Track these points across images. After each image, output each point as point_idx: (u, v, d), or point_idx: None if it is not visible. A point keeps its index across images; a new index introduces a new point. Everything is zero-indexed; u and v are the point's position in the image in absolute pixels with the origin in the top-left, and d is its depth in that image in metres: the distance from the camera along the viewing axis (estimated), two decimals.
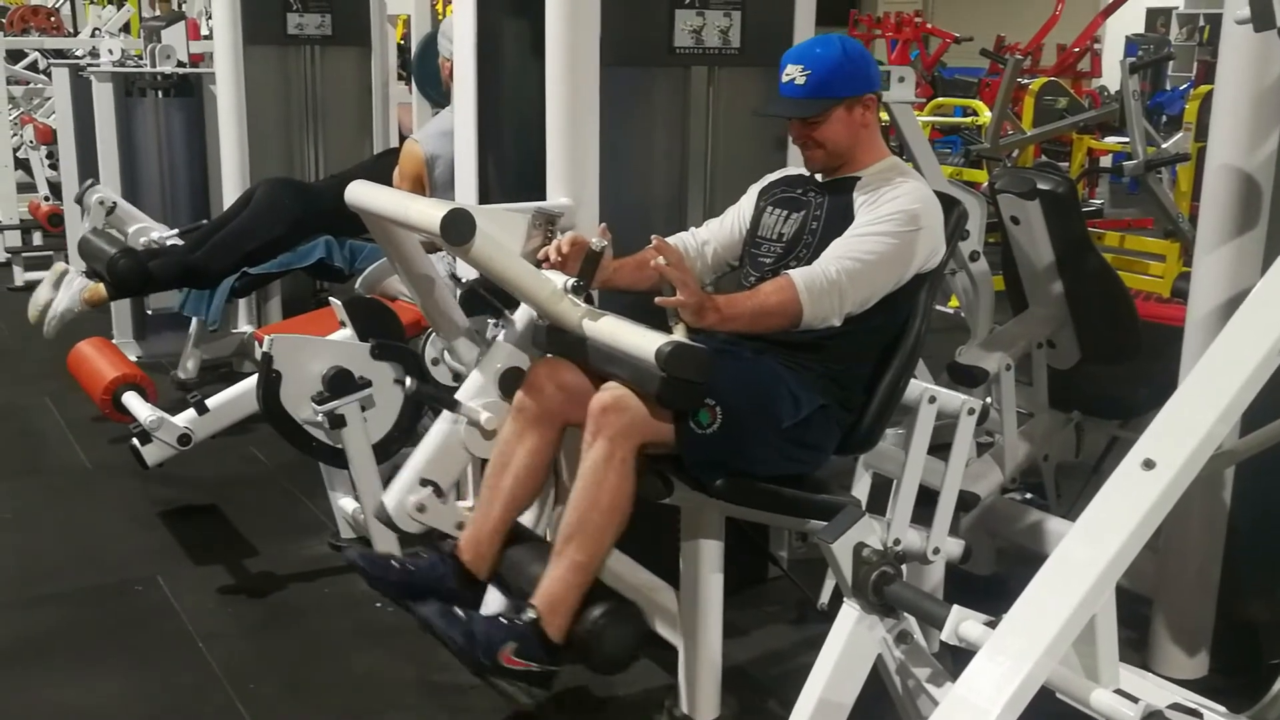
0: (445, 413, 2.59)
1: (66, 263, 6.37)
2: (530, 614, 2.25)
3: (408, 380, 2.61)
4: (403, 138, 4.83)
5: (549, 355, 2.51)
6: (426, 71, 5.03)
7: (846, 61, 2.43)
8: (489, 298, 2.67)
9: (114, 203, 4.62)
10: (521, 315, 2.60)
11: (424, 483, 2.54)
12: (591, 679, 2.85)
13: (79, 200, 4.77)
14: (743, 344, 2.43)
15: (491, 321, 2.76)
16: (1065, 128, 8.26)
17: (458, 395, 2.57)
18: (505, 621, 2.27)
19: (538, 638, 2.24)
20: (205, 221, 4.85)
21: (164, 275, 4.14)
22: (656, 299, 2.25)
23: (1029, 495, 3.42)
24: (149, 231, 4.58)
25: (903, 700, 2.15)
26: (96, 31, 10.08)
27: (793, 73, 2.43)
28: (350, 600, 3.26)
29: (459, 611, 2.27)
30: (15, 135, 7.99)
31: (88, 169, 5.59)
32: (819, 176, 2.55)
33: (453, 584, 2.41)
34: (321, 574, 3.41)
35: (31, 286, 6.96)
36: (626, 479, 2.25)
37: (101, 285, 4.18)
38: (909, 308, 2.47)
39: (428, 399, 2.66)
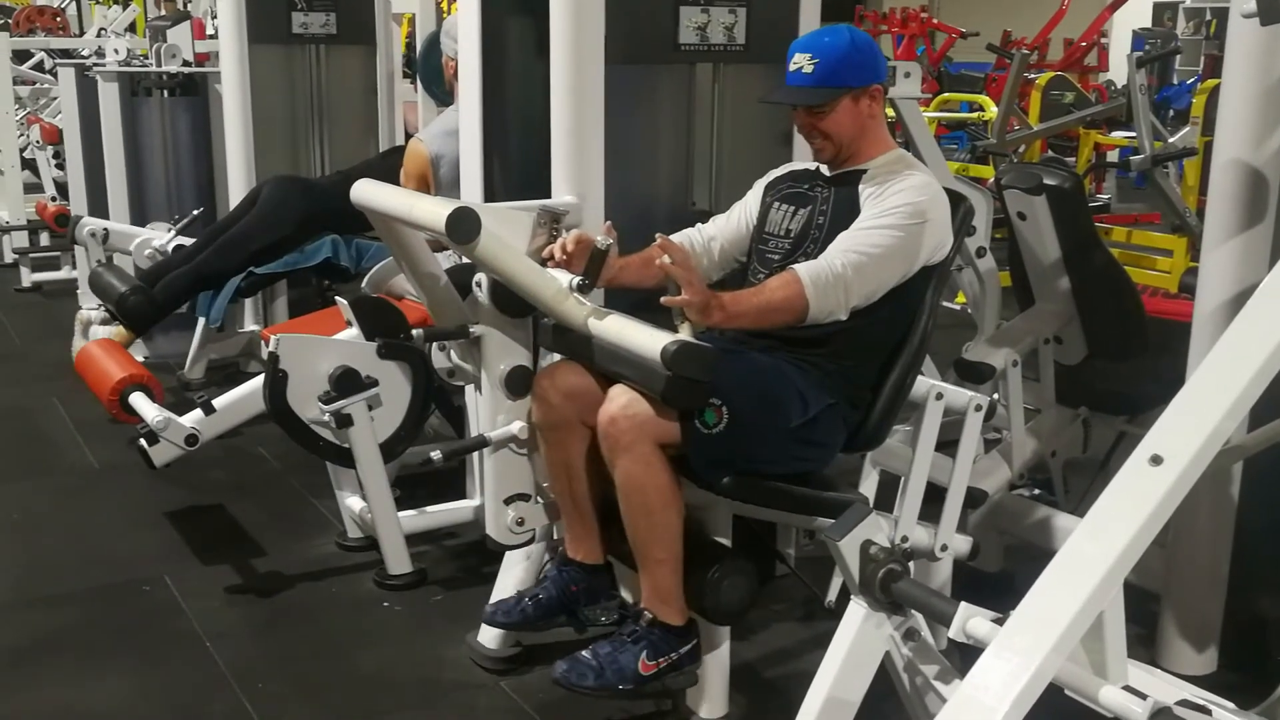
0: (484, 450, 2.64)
1: (73, 268, 6.43)
2: (646, 616, 2.34)
3: (436, 455, 2.62)
4: (409, 136, 4.83)
5: (552, 361, 2.52)
6: (431, 70, 5.04)
7: (854, 51, 2.43)
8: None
9: (104, 230, 4.69)
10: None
11: (508, 501, 2.61)
12: None
13: (72, 241, 4.86)
14: (749, 342, 2.42)
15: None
16: (1072, 122, 8.24)
17: (481, 432, 2.62)
18: (626, 637, 2.35)
19: (662, 632, 2.33)
20: (200, 209, 4.87)
21: (173, 294, 4.17)
22: (662, 299, 2.25)
23: (1037, 491, 3.41)
24: (150, 241, 4.61)
25: (910, 697, 2.15)
26: (102, 31, 10.09)
27: (800, 61, 2.43)
28: (358, 600, 3.26)
29: (584, 655, 2.34)
30: (22, 135, 8.01)
31: (94, 169, 5.61)
32: (825, 170, 2.54)
33: (583, 583, 2.52)
34: (329, 573, 3.41)
35: (39, 287, 7.03)
36: (660, 471, 2.28)
37: (122, 326, 4.23)
38: (915, 302, 2.46)
39: (456, 455, 2.75)
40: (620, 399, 2.24)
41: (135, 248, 4.62)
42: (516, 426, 2.56)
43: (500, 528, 2.61)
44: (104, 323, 4.55)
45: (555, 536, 2.70)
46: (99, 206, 5.58)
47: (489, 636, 2.89)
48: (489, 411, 2.61)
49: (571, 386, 2.40)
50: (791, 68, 2.44)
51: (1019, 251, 3.33)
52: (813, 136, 2.48)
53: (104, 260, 4.56)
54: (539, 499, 2.64)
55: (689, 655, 2.38)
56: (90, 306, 4.94)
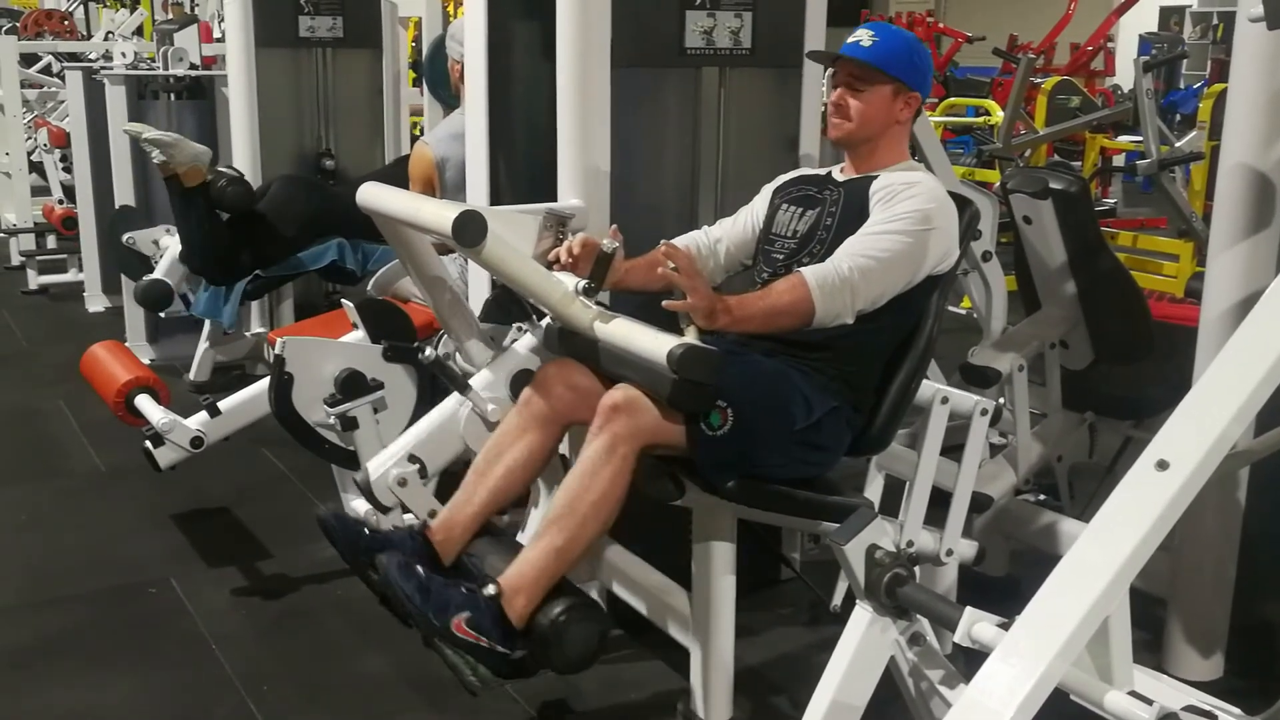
0: (452, 397, 2.59)
1: (80, 271, 6.46)
2: (491, 589, 2.17)
3: (427, 349, 2.57)
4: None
5: (561, 357, 2.51)
6: (437, 73, 5.04)
7: (914, 53, 2.48)
8: (524, 303, 2.67)
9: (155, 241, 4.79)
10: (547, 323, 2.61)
11: (412, 459, 2.54)
12: (600, 680, 2.85)
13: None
14: (754, 345, 2.42)
15: (517, 326, 2.77)
16: (1078, 127, 8.24)
17: (471, 381, 2.57)
18: (465, 591, 2.18)
19: (495, 614, 2.16)
20: None
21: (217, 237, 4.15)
22: (665, 303, 2.25)
23: (1042, 496, 3.40)
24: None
25: (915, 702, 2.14)
26: (110, 35, 10.10)
27: (861, 35, 2.47)
28: (364, 603, 3.24)
29: (419, 569, 2.18)
30: (29, 138, 8.02)
31: (101, 172, 5.62)
32: (837, 174, 2.54)
33: (419, 563, 2.28)
34: (335, 576, 3.41)
35: (45, 289, 7.05)
36: (623, 476, 2.23)
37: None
38: (921, 308, 2.46)
39: (441, 372, 2.63)
40: (629, 390, 2.23)
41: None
42: (490, 408, 2.54)
43: (383, 472, 2.50)
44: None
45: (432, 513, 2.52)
46: (106, 209, 5.60)
47: None
48: (483, 380, 2.60)
49: (579, 382, 2.40)
50: (851, 39, 2.47)
51: (1025, 256, 3.33)
52: (840, 108, 2.49)
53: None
54: (432, 492, 2.57)
55: (495, 661, 2.17)
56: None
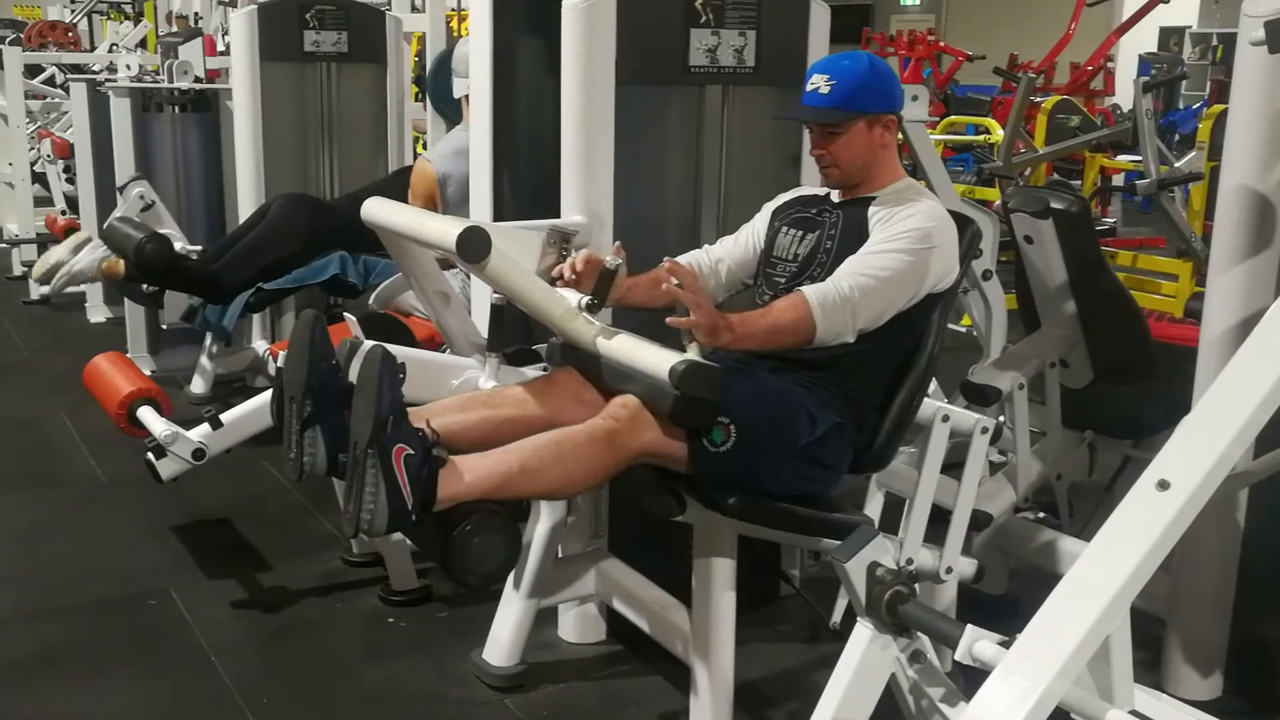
0: (467, 359, 2.57)
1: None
2: (441, 452, 2.08)
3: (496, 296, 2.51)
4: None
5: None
6: (440, 88, 5.06)
7: (873, 78, 2.44)
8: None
9: (153, 201, 4.66)
10: None
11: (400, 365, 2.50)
12: (600, 695, 2.85)
13: (121, 188, 4.80)
14: (757, 362, 2.43)
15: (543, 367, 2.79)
16: (1078, 146, 8.26)
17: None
18: (421, 433, 2.09)
19: (430, 471, 2.05)
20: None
21: (183, 275, 4.16)
22: (668, 320, 2.25)
23: (1042, 515, 3.41)
24: (175, 241, 4.61)
25: None
26: (114, 47, 10.16)
27: (818, 82, 2.44)
28: (363, 615, 3.26)
29: (388, 382, 2.06)
30: (33, 149, 8.05)
31: (104, 183, 5.63)
32: (834, 195, 2.56)
33: (393, 419, 2.09)
34: (334, 588, 3.41)
35: (46, 300, 7.06)
36: (611, 463, 2.21)
37: (121, 262, 4.17)
38: (922, 326, 2.47)
39: (495, 317, 2.64)
40: (637, 403, 2.24)
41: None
42: (484, 379, 2.57)
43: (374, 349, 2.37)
44: (99, 248, 4.40)
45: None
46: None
47: (494, 654, 2.89)
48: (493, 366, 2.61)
49: (586, 398, 2.41)
50: (809, 88, 2.46)
51: (1025, 274, 3.34)
52: (823, 160, 2.50)
53: (130, 218, 4.53)
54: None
55: (402, 515, 2.02)
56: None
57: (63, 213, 7.36)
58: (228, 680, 2.91)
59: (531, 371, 2.71)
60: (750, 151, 3.02)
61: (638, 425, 2.22)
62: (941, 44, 13.32)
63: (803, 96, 2.47)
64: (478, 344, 2.83)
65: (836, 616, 3.04)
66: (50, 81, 10.01)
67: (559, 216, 2.79)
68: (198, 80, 5.56)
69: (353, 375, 2.21)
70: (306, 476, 2.23)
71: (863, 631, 2.09)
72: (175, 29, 9.92)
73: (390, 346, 2.43)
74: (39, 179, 8.04)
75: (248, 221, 4.52)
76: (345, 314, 3.43)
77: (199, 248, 4.67)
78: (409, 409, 2.16)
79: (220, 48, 8.27)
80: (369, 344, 2.20)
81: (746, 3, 2.90)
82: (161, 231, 4.56)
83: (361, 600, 3.35)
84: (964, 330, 5.21)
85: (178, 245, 4.56)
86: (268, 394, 3.30)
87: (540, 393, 2.42)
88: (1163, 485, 1.61)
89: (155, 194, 4.75)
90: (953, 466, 2.44)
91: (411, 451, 2.04)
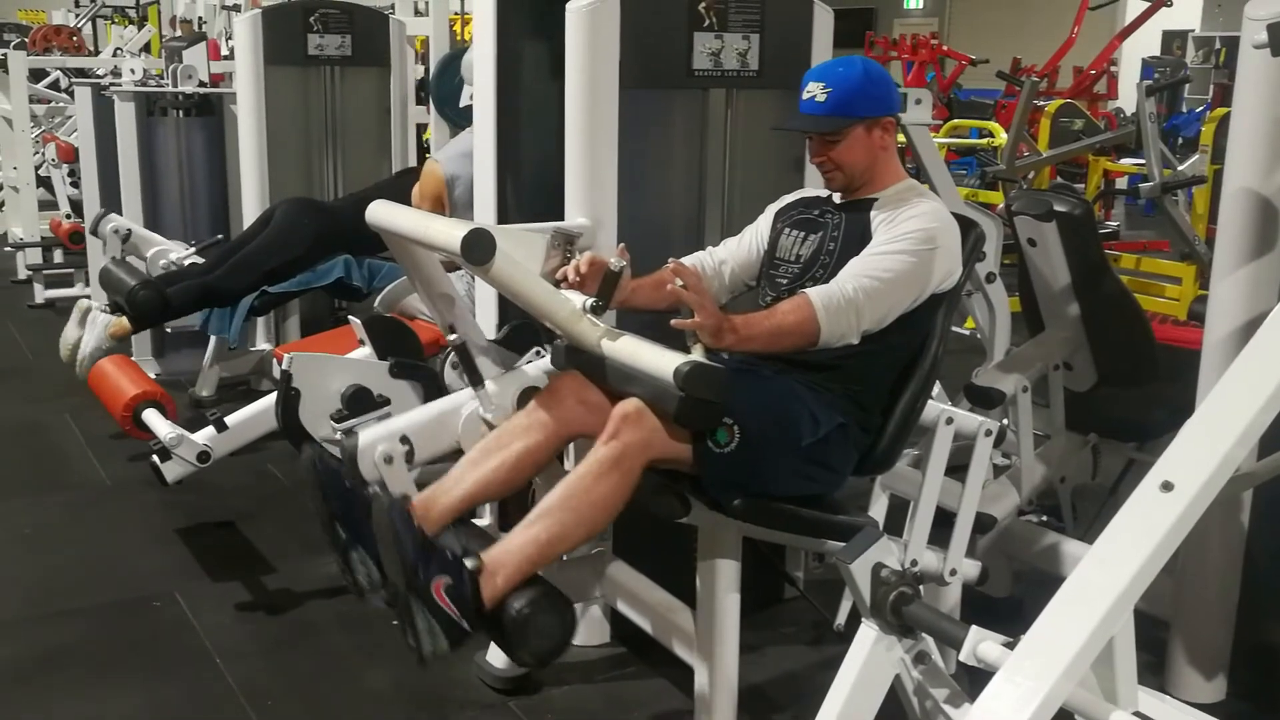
0: (462, 393, 2.60)
1: (86, 285, 6.46)
2: (472, 563, 2.11)
3: (452, 335, 2.57)
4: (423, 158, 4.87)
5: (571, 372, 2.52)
6: (445, 92, 5.07)
7: (868, 82, 2.45)
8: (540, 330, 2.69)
9: (129, 230, 4.69)
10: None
11: (404, 440, 2.54)
12: (604, 698, 2.85)
13: (94, 231, 4.84)
14: (761, 363, 2.44)
15: (536, 350, 2.78)
16: (1081, 149, 8.27)
17: (483, 380, 2.58)
18: (450, 556, 2.13)
19: (471, 588, 2.09)
20: (221, 236, 4.92)
21: (183, 301, 4.18)
22: (673, 321, 2.26)
23: (1045, 517, 3.41)
24: (167, 253, 4.64)
25: None
26: (118, 51, 10.17)
27: (813, 90, 2.45)
28: (368, 618, 3.26)
29: (417, 523, 2.15)
30: (37, 153, 8.06)
31: (109, 187, 5.64)
32: (837, 197, 2.56)
33: (398, 527, 2.18)
34: (339, 592, 3.41)
35: (51, 304, 7.07)
36: (625, 487, 2.23)
37: (124, 318, 4.22)
38: (926, 327, 2.47)
39: (462, 359, 2.64)
40: (641, 405, 2.23)
41: (152, 255, 4.64)
42: (492, 414, 2.55)
43: (372, 443, 2.50)
44: (105, 311, 4.51)
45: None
46: None
47: (497, 657, 2.90)
48: (493, 385, 2.61)
49: (589, 398, 2.41)
50: (805, 96, 2.46)
51: (1029, 277, 3.34)
52: (825, 165, 2.50)
53: (119, 258, 4.57)
54: (412, 475, 2.56)
55: (460, 635, 2.12)
56: (86, 294, 4.93)
57: (67, 216, 7.36)
58: (233, 683, 2.92)
59: (531, 370, 2.69)
60: (754, 154, 3.02)
61: (642, 434, 2.22)
62: (945, 48, 13.33)
63: (800, 105, 2.48)
64: (481, 346, 2.84)
65: (841, 618, 3.04)
66: (55, 86, 10.03)
67: (563, 219, 2.80)
68: (202, 84, 5.58)
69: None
70: (369, 593, 2.31)
71: (867, 633, 2.09)
72: (179, 33, 9.93)
73: (382, 425, 2.58)
74: (44, 183, 8.06)
75: (252, 227, 4.53)
76: (350, 317, 3.45)
77: (198, 246, 4.69)
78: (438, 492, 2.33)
79: (224, 52, 8.30)
80: (375, 492, 2.24)
81: (750, 6, 2.90)
82: (155, 250, 4.61)
83: (366, 603, 3.34)
84: (968, 333, 5.21)
85: (174, 256, 4.60)
86: (272, 396, 3.32)
87: (544, 407, 2.42)
88: (1166, 487, 1.61)
89: (129, 221, 4.81)
90: (957, 469, 2.44)
91: (449, 580, 2.10)
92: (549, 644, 2.16)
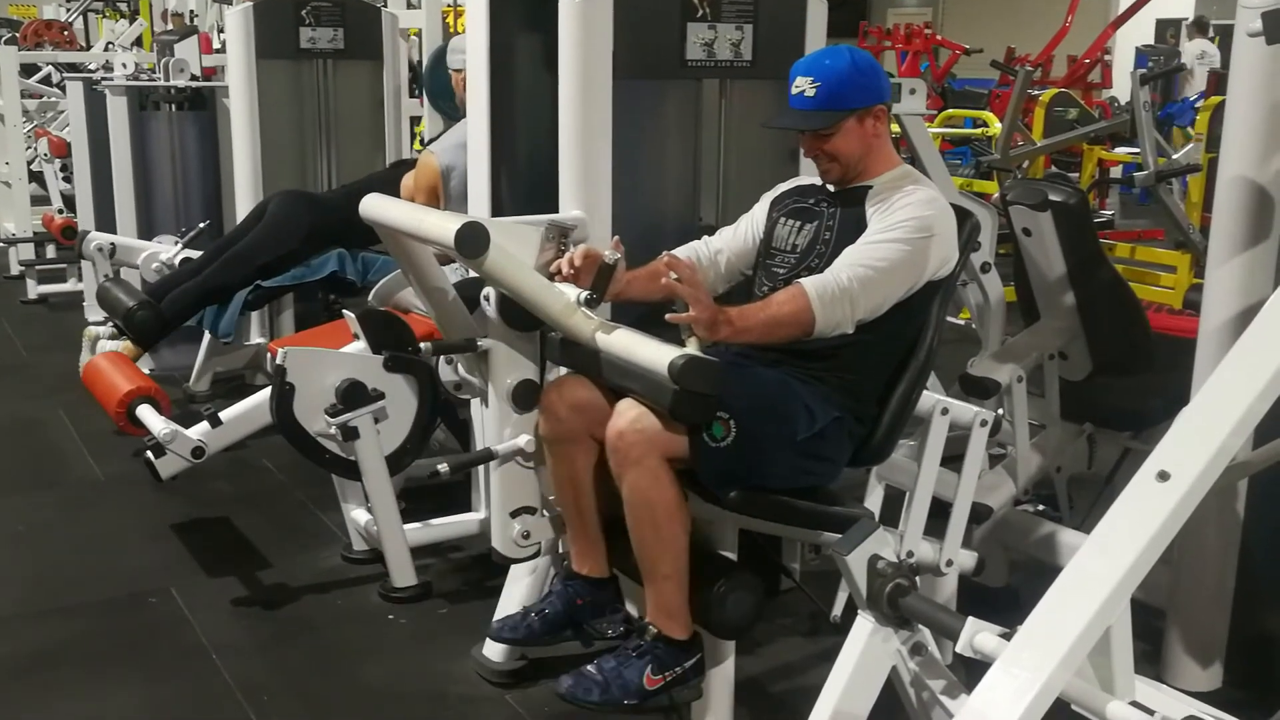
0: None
1: (79, 281, 6.46)
2: (651, 630, 2.32)
3: (443, 467, 2.61)
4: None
5: (560, 375, 2.52)
6: (437, 84, 5.06)
7: (856, 73, 2.43)
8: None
9: (111, 244, 4.73)
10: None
11: (514, 514, 2.59)
12: None
13: (80, 255, 4.90)
14: (756, 356, 2.43)
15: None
16: (1076, 139, 8.27)
17: (488, 445, 2.60)
18: (631, 651, 2.33)
19: (666, 646, 2.32)
20: (208, 221, 4.91)
21: (181, 309, 4.19)
22: (668, 315, 2.25)
23: (1041, 507, 3.41)
24: (157, 255, 4.65)
25: (917, 712, 2.15)
26: (110, 45, 10.14)
27: (802, 84, 2.43)
28: (363, 612, 3.26)
29: (589, 670, 2.32)
30: (29, 148, 8.03)
31: (102, 182, 5.63)
32: (832, 186, 2.56)
33: (588, 597, 2.51)
34: (334, 586, 3.42)
35: (44, 299, 7.06)
36: (668, 486, 2.27)
37: (129, 341, 4.26)
38: (921, 316, 2.47)
39: (468, 466, 2.79)
40: (629, 413, 2.25)
41: (142, 262, 4.66)
42: (523, 440, 2.56)
43: (506, 541, 2.61)
44: (112, 338, 4.58)
45: (561, 550, 2.69)
46: (106, 220, 5.61)
47: (494, 650, 2.90)
48: (496, 425, 2.61)
49: (579, 400, 2.41)
50: (794, 91, 2.45)
51: (1024, 267, 3.34)
52: (819, 158, 2.49)
53: (111, 275, 4.59)
54: (545, 512, 2.63)
55: (693, 669, 2.37)
56: (97, 321, 4.96)
57: (60, 211, 7.35)
58: (229, 678, 2.91)
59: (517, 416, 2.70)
60: (748, 145, 3.01)
61: (642, 434, 2.23)
62: (938, 37, 13.33)
63: (789, 100, 2.47)
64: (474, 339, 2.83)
65: (837, 610, 3.03)
66: (46, 80, 10.01)
67: (557, 211, 2.79)
68: (194, 78, 5.56)
69: None
70: None
71: (864, 624, 2.09)
72: (171, 27, 9.91)
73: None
74: (36, 178, 8.03)
75: (245, 221, 4.52)
76: (344, 311, 3.44)
77: (186, 237, 4.69)
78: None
79: (216, 45, 8.28)
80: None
81: None
82: (145, 255, 4.62)
83: (362, 597, 3.35)
84: (962, 323, 5.21)
85: (165, 256, 4.60)
86: (266, 391, 3.31)
87: (548, 436, 2.47)
88: (1162, 476, 1.61)
89: (109, 236, 4.86)
90: (952, 459, 2.44)
91: (649, 665, 2.32)
92: (746, 614, 2.37)
